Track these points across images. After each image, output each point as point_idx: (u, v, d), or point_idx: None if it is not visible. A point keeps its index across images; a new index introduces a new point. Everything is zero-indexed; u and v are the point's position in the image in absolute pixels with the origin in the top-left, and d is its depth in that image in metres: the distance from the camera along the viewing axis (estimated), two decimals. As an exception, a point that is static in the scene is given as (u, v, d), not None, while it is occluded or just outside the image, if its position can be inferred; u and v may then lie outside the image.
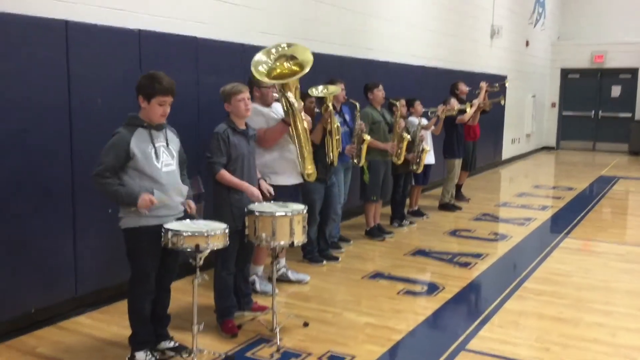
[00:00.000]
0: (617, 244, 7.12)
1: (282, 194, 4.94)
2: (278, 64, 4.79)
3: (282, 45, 4.86)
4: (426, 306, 4.93)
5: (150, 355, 3.77)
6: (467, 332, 4.41)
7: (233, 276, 4.47)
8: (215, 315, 4.42)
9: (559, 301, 5.07)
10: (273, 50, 4.82)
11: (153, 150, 3.63)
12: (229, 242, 4.15)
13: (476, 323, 4.58)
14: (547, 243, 7.01)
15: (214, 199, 4.34)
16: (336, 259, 6.16)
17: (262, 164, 4.95)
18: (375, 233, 7.10)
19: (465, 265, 6.09)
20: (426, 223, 8.04)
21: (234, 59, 5.86)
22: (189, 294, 4.92)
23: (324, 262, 6.04)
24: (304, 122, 4.90)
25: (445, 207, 8.83)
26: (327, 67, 7.20)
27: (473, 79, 9.89)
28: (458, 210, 8.81)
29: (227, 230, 3.65)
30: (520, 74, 15.53)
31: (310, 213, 5.89)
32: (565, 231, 7.65)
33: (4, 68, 4.03)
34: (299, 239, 4.17)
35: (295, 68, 4.77)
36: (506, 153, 14.87)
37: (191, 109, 5.45)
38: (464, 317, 4.79)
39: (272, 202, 4.36)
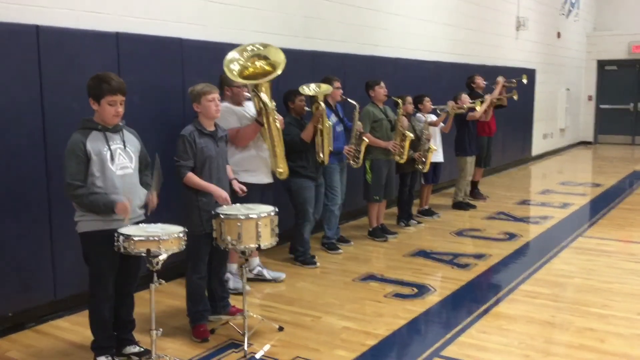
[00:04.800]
0: (631, 243, 6.78)
1: (254, 192, 4.91)
2: (250, 63, 4.76)
3: (257, 45, 4.82)
4: (411, 309, 4.76)
5: (112, 360, 3.74)
6: (447, 337, 4.23)
7: (207, 280, 4.41)
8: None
9: (554, 304, 4.83)
10: (248, 48, 4.78)
11: (108, 153, 3.59)
12: (199, 246, 4.21)
13: (458, 328, 4.39)
14: (557, 243, 6.71)
15: (182, 202, 4.29)
16: (313, 263, 5.91)
17: (234, 163, 4.93)
18: (378, 233, 6.94)
19: (464, 266, 5.88)
20: (436, 223, 7.83)
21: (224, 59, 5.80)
22: (170, 297, 4.99)
23: (317, 264, 5.92)
24: (277, 121, 4.84)
25: (458, 205, 8.58)
26: (328, 66, 7.10)
27: (498, 72, 9.55)
28: (472, 209, 8.56)
29: (182, 235, 3.57)
30: (551, 67, 15.05)
31: (302, 211, 5.83)
32: (580, 230, 7.33)
33: (-27, 75, 4.07)
34: (267, 242, 4.07)
35: (267, 68, 4.73)
36: (537, 149, 14.43)
37: (176, 112, 5.40)
38: (448, 321, 4.60)
39: (240, 204, 4.26)
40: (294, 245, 6.00)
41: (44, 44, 4.42)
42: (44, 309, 4.63)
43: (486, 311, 4.71)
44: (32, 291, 4.52)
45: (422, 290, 5.22)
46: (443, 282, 5.43)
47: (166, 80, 5.35)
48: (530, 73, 13.21)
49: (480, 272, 5.71)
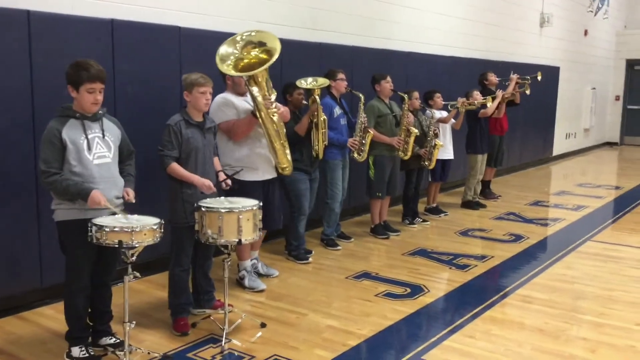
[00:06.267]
0: (642, 249, 6.56)
1: (255, 189, 4.81)
2: (245, 53, 4.60)
3: (249, 32, 4.67)
4: (400, 310, 4.64)
5: (85, 351, 3.70)
6: (431, 340, 4.11)
7: (190, 272, 4.36)
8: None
9: (549, 310, 4.67)
10: (238, 38, 4.64)
11: (85, 142, 3.54)
12: (182, 238, 4.17)
13: (445, 331, 4.26)
14: (563, 246, 6.52)
15: (168, 194, 4.23)
16: (306, 259, 5.84)
17: (234, 160, 4.80)
18: (380, 231, 6.82)
19: (463, 267, 5.74)
20: (442, 221, 7.67)
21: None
22: (159, 288, 4.96)
23: (310, 259, 5.84)
24: (275, 115, 4.67)
25: (467, 205, 8.40)
26: (337, 58, 6.99)
27: (519, 69, 9.29)
28: (482, 209, 8.37)
29: (157, 227, 3.50)
30: (577, 65, 14.68)
31: (297, 205, 5.75)
32: (590, 234, 7.11)
33: (-39, 59, 4.06)
34: (249, 236, 3.99)
35: (263, 56, 4.57)
36: (559, 148, 14.12)
37: (173, 101, 5.34)
38: (435, 323, 4.46)
39: (224, 197, 4.19)
40: (288, 239, 5.92)
41: (35, 30, 4.39)
42: (30, 296, 4.63)
43: (476, 315, 4.57)
44: (18, 278, 4.52)
45: (414, 290, 5.10)
46: (438, 283, 5.31)
47: (162, 69, 5.30)
48: (554, 71, 12.94)
49: (478, 274, 5.56)
